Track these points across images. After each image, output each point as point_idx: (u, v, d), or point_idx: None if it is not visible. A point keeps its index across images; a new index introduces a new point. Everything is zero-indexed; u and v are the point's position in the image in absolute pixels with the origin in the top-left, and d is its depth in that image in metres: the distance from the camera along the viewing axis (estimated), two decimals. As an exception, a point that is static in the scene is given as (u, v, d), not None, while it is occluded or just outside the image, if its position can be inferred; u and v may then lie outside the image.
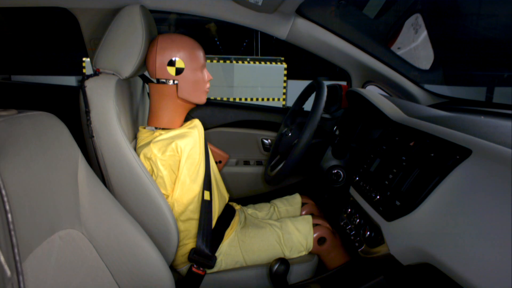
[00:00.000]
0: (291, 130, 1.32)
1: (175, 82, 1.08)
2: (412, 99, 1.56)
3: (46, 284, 0.62)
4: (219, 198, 1.24)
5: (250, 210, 1.42)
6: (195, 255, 1.08)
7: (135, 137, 1.16)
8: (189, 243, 1.13)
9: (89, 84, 0.97)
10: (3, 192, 0.51)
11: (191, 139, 1.09)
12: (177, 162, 1.05)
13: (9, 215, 0.51)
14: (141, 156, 1.02)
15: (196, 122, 1.19)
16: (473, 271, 0.64)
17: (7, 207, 0.51)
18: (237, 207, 1.39)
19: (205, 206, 1.12)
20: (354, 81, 1.62)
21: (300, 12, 1.43)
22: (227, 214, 1.27)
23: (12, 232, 0.51)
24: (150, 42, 1.10)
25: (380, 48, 1.60)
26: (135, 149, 1.08)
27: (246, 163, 1.77)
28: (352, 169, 1.28)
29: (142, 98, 1.24)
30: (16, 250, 0.51)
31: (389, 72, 1.54)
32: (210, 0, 1.34)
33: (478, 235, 0.66)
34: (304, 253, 1.24)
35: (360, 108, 1.41)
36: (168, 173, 1.05)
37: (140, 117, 1.24)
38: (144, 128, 1.14)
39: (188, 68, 1.08)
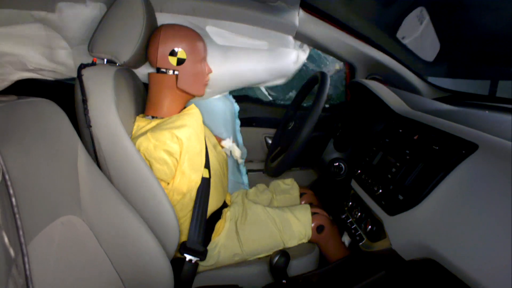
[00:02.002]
0: (294, 122, 1.31)
1: (175, 72, 1.07)
2: (415, 92, 1.54)
3: (48, 268, 0.62)
4: (218, 193, 1.20)
5: (251, 194, 1.43)
6: (186, 246, 1.06)
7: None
8: (182, 234, 1.10)
9: (86, 73, 0.94)
10: (7, 176, 0.52)
11: (188, 128, 1.06)
12: (177, 151, 1.03)
13: (13, 199, 0.52)
14: (138, 145, 0.99)
15: (194, 110, 1.15)
16: (477, 267, 0.63)
17: (11, 191, 0.52)
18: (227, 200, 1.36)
19: (202, 194, 1.10)
20: (359, 74, 1.59)
21: (305, 6, 1.41)
22: (221, 209, 1.26)
23: (17, 215, 0.53)
24: (150, 30, 1.08)
25: (386, 39, 1.57)
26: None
27: (250, 161, 1.72)
28: (354, 162, 1.27)
29: (140, 90, 1.20)
30: (21, 232, 0.53)
31: (393, 65, 1.52)
32: (213, 4, 1.31)
33: (483, 231, 0.65)
34: (303, 241, 1.25)
35: (363, 100, 1.39)
36: (167, 161, 1.02)
37: (138, 109, 1.21)
38: (142, 117, 1.11)
39: (189, 60, 1.08)
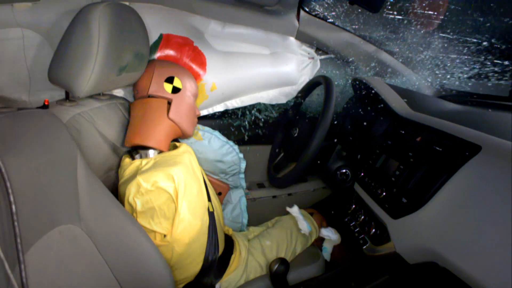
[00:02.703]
0: (298, 129, 1.28)
1: (169, 102, 1.00)
2: (417, 91, 1.53)
3: (46, 277, 0.62)
4: (221, 233, 1.09)
5: (250, 230, 1.34)
6: (193, 283, 0.97)
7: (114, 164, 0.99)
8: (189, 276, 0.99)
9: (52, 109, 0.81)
10: (8, 184, 0.52)
11: (183, 166, 0.92)
12: (174, 194, 0.88)
13: (13, 206, 0.53)
14: (128, 193, 0.86)
15: (184, 148, 1.02)
16: (482, 270, 0.62)
17: (11, 199, 0.53)
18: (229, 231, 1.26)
19: (212, 232, 0.99)
20: (361, 73, 1.58)
21: (304, 7, 1.40)
22: (228, 245, 1.14)
23: (16, 223, 0.52)
24: (114, 49, 0.88)
25: (389, 39, 1.56)
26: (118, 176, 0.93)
27: (261, 186, 1.58)
28: (357, 165, 1.25)
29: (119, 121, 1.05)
30: (18, 240, 0.52)
31: (395, 64, 1.51)
32: (212, 3, 1.29)
33: (487, 234, 0.64)
34: (315, 233, 1.29)
35: (365, 99, 1.37)
36: (162, 208, 0.87)
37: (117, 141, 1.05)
38: (127, 157, 0.98)
39: (184, 91, 1.03)
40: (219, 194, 1.45)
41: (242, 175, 1.49)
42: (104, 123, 0.96)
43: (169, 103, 1.00)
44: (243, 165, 1.46)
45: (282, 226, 1.27)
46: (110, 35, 0.85)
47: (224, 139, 1.39)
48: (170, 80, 1.00)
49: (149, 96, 0.98)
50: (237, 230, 1.40)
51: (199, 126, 1.37)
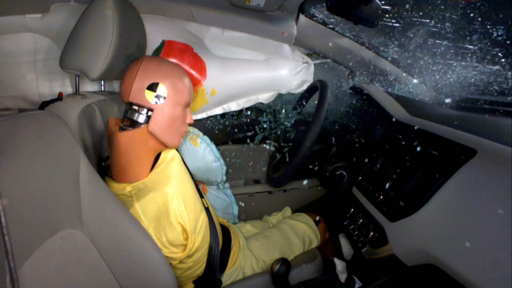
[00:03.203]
0: (295, 131, 1.31)
1: (149, 113, 0.86)
2: (416, 97, 1.55)
3: (47, 283, 0.61)
4: (218, 225, 1.09)
5: (246, 228, 1.35)
6: (201, 279, 1.00)
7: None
8: (195, 274, 1.01)
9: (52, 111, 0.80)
10: None
11: (175, 179, 0.89)
12: (181, 213, 0.86)
13: (3, 219, 0.50)
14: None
15: (170, 155, 0.93)
16: (477, 272, 0.63)
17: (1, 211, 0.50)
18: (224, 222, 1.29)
19: (212, 231, 1.00)
20: (359, 79, 1.60)
21: (304, 12, 1.42)
22: (226, 237, 1.15)
23: (6, 237, 0.49)
24: (128, 38, 0.97)
25: (386, 44, 1.59)
26: None
27: (257, 182, 1.63)
28: (355, 169, 1.27)
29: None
30: (10, 257, 0.50)
31: (393, 70, 1.53)
32: (212, 12, 1.32)
33: (483, 236, 0.65)
34: (315, 244, 1.31)
35: (363, 105, 1.40)
36: (172, 234, 0.85)
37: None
38: (111, 180, 0.90)
39: (169, 99, 0.87)
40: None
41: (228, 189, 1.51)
42: (109, 114, 1.04)
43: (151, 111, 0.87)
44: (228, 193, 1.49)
45: (280, 230, 1.28)
46: (122, 22, 0.94)
47: (218, 155, 1.40)
48: (153, 87, 0.85)
49: (130, 103, 0.86)
50: (230, 222, 1.44)
51: (200, 133, 1.39)
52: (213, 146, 1.39)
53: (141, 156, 0.87)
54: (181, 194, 0.87)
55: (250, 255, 1.17)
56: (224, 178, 1.44)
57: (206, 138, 1.39)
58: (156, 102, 0.86)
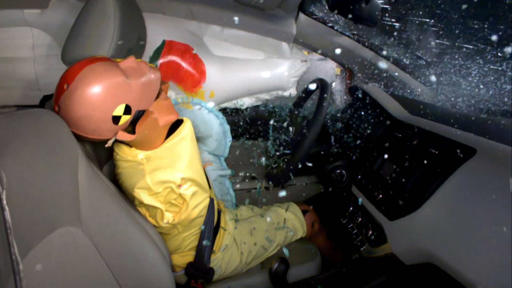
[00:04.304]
0: (296, 130, 1.30)
1: (137, 115, 0.80)
2: (415, 96, 1.55)
3: (46, 281, 0.61)
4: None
5: (240, 212, 1.36)
6: (192, 269, 1.02)
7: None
8: (188, 255, 1.05)
9: (49, 107, 0.79)
10: (1, 189, 0.50)
11: (187, 156, 0.90)
12: (187, 194, 0.91)
13: (7, 213, 0.50)
14: (137, 190, 0.85)
15: (184, 132, 0.91)
16: (476, 271, 0.63)
17: (4, 205, 0.50)
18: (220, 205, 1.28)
19: (210, 213, 1.03)
20: (359, 79, 1.60)
21: (304, 10, 1.42)
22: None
23: (9, 231, 0.49)
24: (125, 30, 0.97)
25: (386, 44, 1.58)
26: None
27: (253, 178, 1.66)
28: (354, 168, 1.27)
29: None
30: (12, 250, 0.50)
31: (393, 69, 1.53)
32: (212, 9, 1.31)
33: (482, 235, 0.65)
34: (302, 235, 1.30)
35: (363, 105, 1.40)
36: (170, 203, 0.90)
37: None
38: (124, 145, 0.89)
39: (132, 97, 0.76)
40: None
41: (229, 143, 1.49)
42: None
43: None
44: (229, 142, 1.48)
45: (266, 217, 1.28)
46: (123, 15, 0.95)
47: (212, 109, 1.39)
48: (115, 118, 0.75)
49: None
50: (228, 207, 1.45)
51: (191, 98, 1.39)
52: (204, 103, 1.39)
53: (154, 134, 0.86)
54: (190, 175, 0.90)
55: (233, 241, 1.17)
56: (227, 127, 1.43)
57: (196, 99, 1.39)
58: (127, 113, 0.77)
